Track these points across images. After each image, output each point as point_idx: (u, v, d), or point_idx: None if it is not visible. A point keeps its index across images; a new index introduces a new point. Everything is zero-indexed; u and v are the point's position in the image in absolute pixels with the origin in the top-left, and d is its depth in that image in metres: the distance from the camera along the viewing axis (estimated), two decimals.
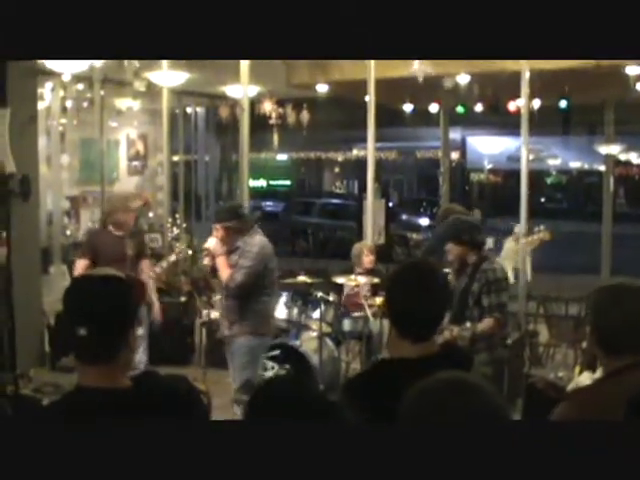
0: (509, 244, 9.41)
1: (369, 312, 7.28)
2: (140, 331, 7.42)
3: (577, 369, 5.55)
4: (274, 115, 12.59)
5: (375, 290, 7.51)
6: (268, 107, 12.23)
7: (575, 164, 32.46)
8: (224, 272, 6.01)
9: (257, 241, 6.00)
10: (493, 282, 5.62)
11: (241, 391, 6.10)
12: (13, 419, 2.21)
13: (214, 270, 6.21)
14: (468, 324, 5.36)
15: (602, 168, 17.34)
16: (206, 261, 6.38)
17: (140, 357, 7.28)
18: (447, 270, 5.77)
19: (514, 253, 8.86)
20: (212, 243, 6.11)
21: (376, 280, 7.35)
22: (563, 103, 12.14)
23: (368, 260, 7.91)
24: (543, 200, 36.23)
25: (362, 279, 7.37)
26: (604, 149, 16.02)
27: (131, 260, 7.14)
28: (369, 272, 7.76)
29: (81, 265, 7.12)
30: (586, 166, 31.05)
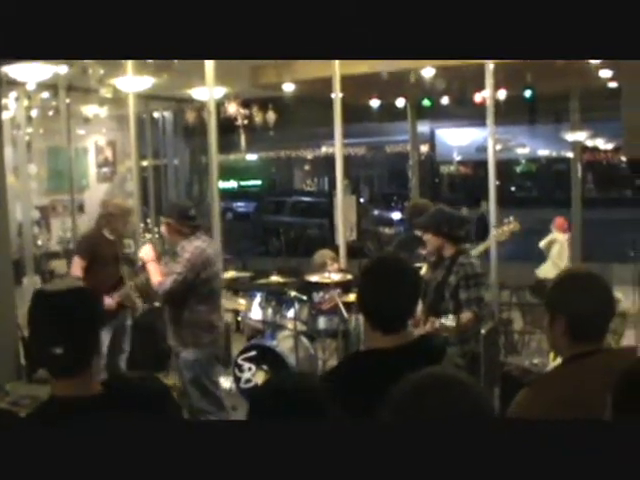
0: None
1: (343, 309, 7.29)
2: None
3: (551, 355, 5.60)
4: (240, 116, 12.58)
5: (348, 287, 7.53)
6: (233, 108, 12.22)
7: (543, 152, 32.72)
8: (154, 278, 5.94)
9: (192, 248, 5.80)
10: (472, 276, 5.66)
11: (203, 404, 5.99)
12: None
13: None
14: (450, 316, 5.37)
15: (570, 155, 17.47)
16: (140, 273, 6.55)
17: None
18: (419, 264, 5.81)
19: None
20: (145, 251, 6.12)
21: (349, 277, 7.37)
22: (528, 92, 12.24)
23: (334, 269, 7.86)
24: (513, 189, 36.45)
25: (335, 277, 7.39)
26: (571, 136, 16.15)
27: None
28: (339, 270, 7.79)
29: (77, 265, 7.24)
30: (554, 154, 31.32)
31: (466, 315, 5.56)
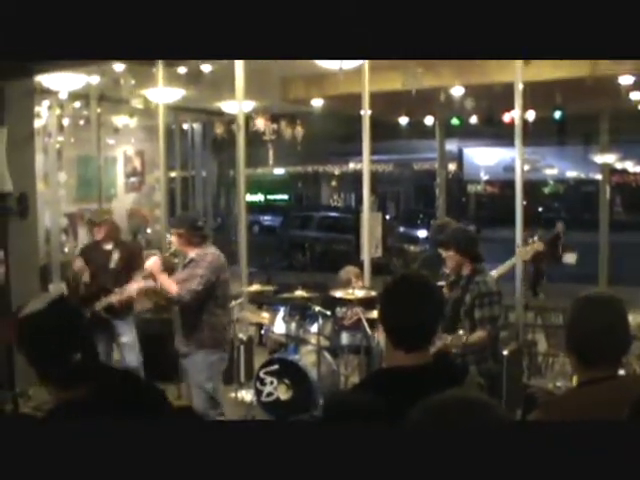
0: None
1: (367, 325, 7.28)
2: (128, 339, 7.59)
3: (575, 378, 5.56)
4: (268, 130, 12.63)
5: (372, 303, 7.51)
6: (261, 122, 12.27)
7: (571, 173, 32.57)
8: (172, 287, 6.03)
9: (209, 253, 6.08)
10: (486, 295, 5.66)
11: (206, 407, 6.08)
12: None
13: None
14: (461, 332, 5.38)
15: (598, 177, 17.38)
16: (142, 283, 6.74)
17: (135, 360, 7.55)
18: (441, 283, 5.80)
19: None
20: (152, 262, 6.21)
21: (373, 293, 7.36)
22: (557, 113, 12.21)
23: (359, 286, 7.85)
24: (541, 210, 36.29)
25: (359, 293, 7.37)
26: (600, 158, 16.07)
27: (122, 270, 7.36)
28: (364, 286, 7.77)
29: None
30: (582, 175, 31.16)
31: (478, 334, 5.56)
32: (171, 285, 6.04)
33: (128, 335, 7.59)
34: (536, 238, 7.42)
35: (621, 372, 2.78)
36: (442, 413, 1.70)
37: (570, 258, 16.25)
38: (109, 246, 7.49)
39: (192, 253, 6.10)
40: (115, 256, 7.43)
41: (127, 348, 7.59)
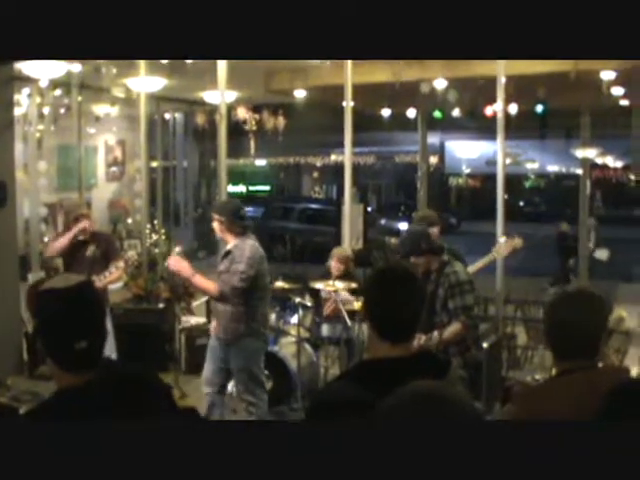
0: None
1: (347, 317, 7.28)
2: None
3: (554, 371, 5.59)
4: (250, 121, 12.60)
5: (353, 295, 7.51)
6: (242, 113, 12.24)
7: (553, 168, 32.73)
8: (209, 286, 6.10)
9: (248, 246, 6.07)
10: (456, 285, 5.71)
11: (247, 391, 6.28)
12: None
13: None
14: (435, 333, 5.47)
15: (579, 171, 17.47)
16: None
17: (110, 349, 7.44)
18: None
19: None
20: (177, 264, 6.24)
21: (354, 285, 7.36)
22: (540, 107, 12.24)
23: (335, 268, 7.85)
24: (522, 204, 36.45)
25: (340, 284, 7.37)
26: (580, 153, 16.14)
27: (98, 260, 7.31)
28: (346, 277, 7.75)
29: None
30: (563, 170, 31.32)
31: (453, 327, 5.61)
32: (208, 284, 6.11)
33: None
34: (515, 235, 7.46)
35: (599, 365, 2.81)
36: (411, 405, 1.71)
37: (602, 254, 16.29)
38: (83, 237, 7.37)
39: (231, 243, 6.12)
40: (91, 247, 7.36)
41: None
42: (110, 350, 7.53)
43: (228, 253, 6.11)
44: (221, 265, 6.16)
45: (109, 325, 7.55)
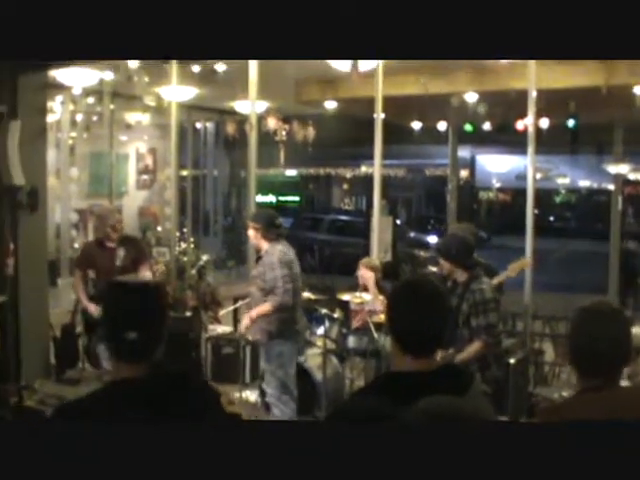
0: None
1: (374, 329, 7.26)
2: None
3: (577, 388, 5.53)
4: (280, 131, 12.63)
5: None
6: (272, 123, 12.26)
7: (584, 183, 32.44)
8: (264, 307, 6.37)
9: (277, 250, 6.38)
10: (480, 303, 5.63)
11: (279, 393, 6.58)
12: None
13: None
14: (451, 350, 5.43)
15: (611, 187, 17.31)
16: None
17: None
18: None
19: None
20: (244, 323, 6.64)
21: (381, 297, 7.33)
22: (571, 122, 12.13)
23: (362, 276, 7.83)
24: (552, 219, 36.17)
25: (367, 296, 7.35)
26: (613, 168, 16.00)
27: (128, 266, 7.39)
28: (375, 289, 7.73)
29: (77, 277, 7.72)
30: (595, 185, 31.05)
31: (474, 346, 5.55)
32: (263, 307, 6.37)
33: None
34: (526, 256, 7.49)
35: (624, 383, 2.76)
36: (425, 421, 1.69)
37: None
38: (112, 244, 7.49)
39: (264, 248, 6.45)
40: (121, 253, 7.46)
41: None
42: None
43: (259, 258, 6.45)
44: (254, 270, 6.55)
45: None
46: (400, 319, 2.74)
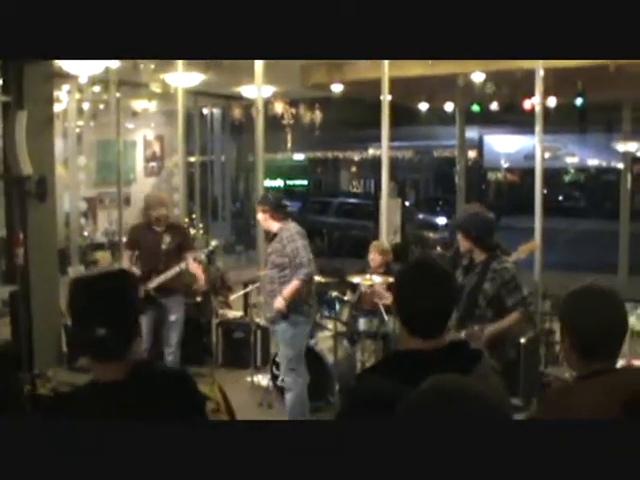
0: None
1: (384, 311, 7.27)
2: (177, 317, 7.87)
3: (578, 372, 5.52)
4: (287, 115, 12.61)
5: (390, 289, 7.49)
6: (279, 107, 12.25)
7: (593, 162, 32.31)
8: (294, 286, 6.45)
9: (291, 225, 6.65)
10: (511, 280, 5.59)
11: (288, 370, 6.69)
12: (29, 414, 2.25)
13: None
14: (476, 327, 5.38)
15: (620, 166, 17.25)
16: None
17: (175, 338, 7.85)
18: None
19: None
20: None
21: (391, 279, 7.33)
22: (579, 100, 12.07)
23: (374, 260, 7.85)
24: (561, 198, 36.09)
25: (377, 278, 7.36)
26: (621, 146, 15.94)
27: (172, 251, 7.64)
28: (385, 271, 7.73)
29: (126, 257, 7.96)
30: (604, 164, 30.91)
31: (512, 316, 5.52)
32: (296, 282, 6.45)
33: (177, 313, 7.83)
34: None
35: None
36: (430, 400, 1.70)
37: None
38: (159, 229, 7.67)
39: (275, 227, 6.64)
40: (167, 238, 7.64)
41: (173, 327, 7.81)
42: (176, 338, 7.84)
43: (275, 235, 6.62)
44: (269, 247, 6.72)
45: (181, 312, 7.89)
46: (404, 301, 2.74)
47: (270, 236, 6.74)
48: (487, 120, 20.52)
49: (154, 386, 2.43)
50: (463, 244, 5.75)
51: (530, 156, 23.34)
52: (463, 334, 5.28)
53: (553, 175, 30.31)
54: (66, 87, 11.72)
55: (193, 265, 7.67)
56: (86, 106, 12.55)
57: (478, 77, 10.41)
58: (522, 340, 5.90)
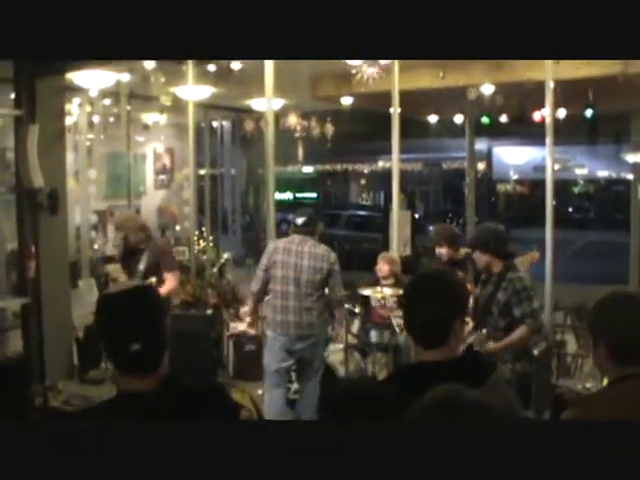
0: None
1: (395, 323, 7.26)
2: None
3: (605, 379, 5.51)
4: (299, 128, 12.64)
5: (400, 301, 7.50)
6: (293, 120, 12.28)
7: (602, 173, 32.26)
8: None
9: (272, 241, 7.04)
10: (522, 290, 5.62)
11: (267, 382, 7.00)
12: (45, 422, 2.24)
13: None
14: (484, 331, 5.41)
15: (630, 176, 17.22)
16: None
17: None
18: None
19: None
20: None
21: (401, 292, 7.33)
22: (589, 112, 12.05)
23: (378, 269, 7.90)
24: (571, 210, 36.03)
25: (388, 291, 7.36)
26: (631, 157, 15.92)
27: (150, 272, 7.70)
28: (393, 283, 7.74)
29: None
30: (613, 175, 30.86)
31: (519, 332, 5.54)
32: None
33: None
34: (533, 248, 7.50)
35: None
36: (438, 407, 1.72)
37: None
38: (142, 246, 7.79)
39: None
40: (144, 258, 7.74)
41: None
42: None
43: None
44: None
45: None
46: (408, 312, 2.82)
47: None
48: (496, 132, 20.53)
49: (188, 396, 2.44)
50: (480, 260, 5.81)
51: (539, 168, 23.33)
52: (472, 339, 5.32)
53: (562, 187, 30.27)
54: (77, 100, 11.78)
55: (170, 282, 7.74)
56: (96, 119, 12.60)
57: (487, 89, 10.41)
58: (535, 352, 5.89)
